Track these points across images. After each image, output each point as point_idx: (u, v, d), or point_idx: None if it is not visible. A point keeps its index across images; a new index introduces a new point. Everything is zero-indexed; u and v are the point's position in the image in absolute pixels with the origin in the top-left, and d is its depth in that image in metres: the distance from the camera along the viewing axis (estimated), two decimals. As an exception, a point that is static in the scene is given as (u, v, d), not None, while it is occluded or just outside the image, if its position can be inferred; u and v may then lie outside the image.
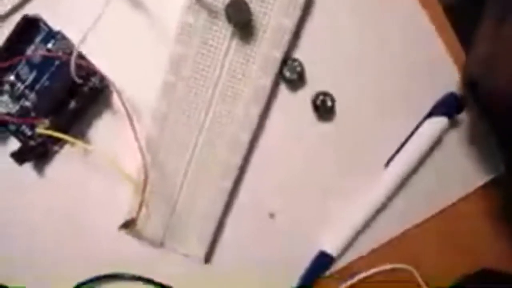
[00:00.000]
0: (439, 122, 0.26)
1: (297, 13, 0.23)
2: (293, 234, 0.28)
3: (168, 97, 0.24)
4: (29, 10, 0.24)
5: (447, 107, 0.26)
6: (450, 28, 0.26)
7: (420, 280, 0.30)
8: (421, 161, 0.27)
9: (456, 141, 0.28)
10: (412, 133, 0.27)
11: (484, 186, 0.29)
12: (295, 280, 0.29)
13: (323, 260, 0.28)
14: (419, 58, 0.26)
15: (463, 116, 0.27)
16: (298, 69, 0.25)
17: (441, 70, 0.26)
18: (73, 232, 0.27)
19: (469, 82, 0.26)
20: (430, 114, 0.26)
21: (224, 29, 0.23)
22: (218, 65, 0.24)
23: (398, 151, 0.27)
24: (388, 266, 0.29)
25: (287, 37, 0.24)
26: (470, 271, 0.30)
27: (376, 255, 0.29)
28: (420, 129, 0.26)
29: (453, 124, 0.27)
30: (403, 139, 0.27)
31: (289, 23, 0.23)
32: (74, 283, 0.27)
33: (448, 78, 0.27)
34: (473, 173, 0.29)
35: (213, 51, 0.24)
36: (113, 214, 0.26)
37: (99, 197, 0.27)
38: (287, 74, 0.25)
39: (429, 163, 0.28)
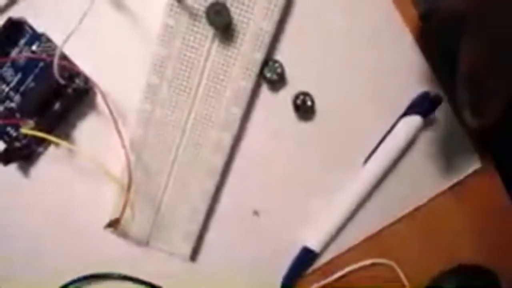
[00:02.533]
0: (414, 121, 0.27)
1: (276, 16, 0.24)
2: (277, 232, 0.29)
3: (151, 98, 0.25)
4: (13, 12, 0.24)
5: (421, 106, 0.27)
6: (425, 31, 0.27)
7: (401, 274, 0.30)
8: (398, 159, 0.28)
9: (430, 138, 0.29)
10: (388, 132, 0.27)
11: (460, 183, 0.30)
12: (280, 276, 0.29)
13: (306, 256, 0.29)
14: (395, 59, 0.27)
15: (437, 115, 0.28)
16: (279, 70, 0.26)
17: (416, 70, 0.27)
18: (58, 232, 0.28)
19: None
20: (405, 113, 0.27)
21: (205, 31, 0.24)
22: (200, 66, 0.25)
23: (375, 149, 0.28)
24: (369, 261, 0.30)
25: (267, 39, 0.24)
26: (448, 267, 0.31)
27: (357, 251, 0.30)
28: (396, 128, 0.27)
29: (428, 122, 0.28)
30: (380, 137, 0.28)
31: (269, 26, 0.24)
32: (61, 283, 0.28)
33: (422, 79, 0.27)
34: (449, 170, 0.29)
35: (194, 52, 0.24)
36: (99, 214, 0.27)
37: (84, 197, 0.27)
38: (268, 75, 0.26)
39: (407, 160, 0.29)
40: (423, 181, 0.29)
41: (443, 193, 0.30)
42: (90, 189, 0.27)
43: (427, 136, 0.28)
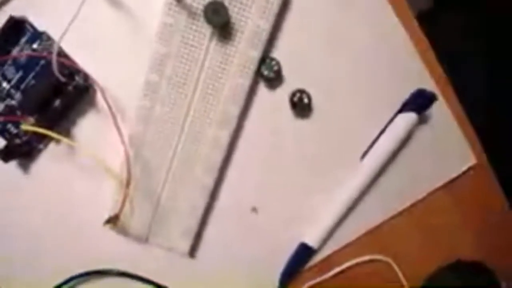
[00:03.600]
0: (409, 117, 0.27)
1: (273, 15, 0.25)
2: (275, 228, 0.29)
3: (150, 95, 0.25)
4: (15, 11, 0.24)
5: (416, 103, 0.27)
6: (419, 30, 0.28)
7: (398, 271, 0.31)
8: (394, 155, 0.28)
9: (426, 135, 0.29)
10: (384, 128, 0.28)
11: (456, 179, 0.30)
12: (278, 272, 0.30)
13: (304, 252, 0.29)
14: (391, 58, 0.27)
15: (432, 112, 0.28)
16: (276, 67, 0.26)
17: (411, 68, 0.28)
18: (58, 230, 0.28)
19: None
20: (400, 110, 0.28)
21: (203, 29, 0.24)
22: (198, 64, 0.25)
23: (372, 145, 0.28)
24: (366, 258, 0.30)
25: (264, 37, 0.25)
26: (446, 262, 0.31)
27: (354, 247, 0.30)
28: (392, 125, 0.27)
29: (423, 119, 0.28)
30: (377, 134, 0.28)
31: (266, 25, 0.25)
32: (60, 280, 0.28)
33: (418, 76, 0.28)
34: (444, 166, 0.30)
35: (193, 50, 0.25)
36: (99, 211, 0.27)
37: (84, 194, 0.27)
38: (265, 72, 0.26)
39: (403, 156, 0.29)
40: (419, 178, 0.30)
41: (439, 190, 0.30)
42: (90, 185, 0.27)
43: (422, 133, 0.29)
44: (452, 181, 0.30)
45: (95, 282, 0.29)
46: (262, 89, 0.27)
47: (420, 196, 0.30)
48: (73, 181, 0.27)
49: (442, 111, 0.29)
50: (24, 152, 0.26)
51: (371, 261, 0.30)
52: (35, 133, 0.24)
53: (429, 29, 0.29)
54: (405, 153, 0.29)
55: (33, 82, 0.25)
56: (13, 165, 0.26)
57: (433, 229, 0.31)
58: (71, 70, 0.25)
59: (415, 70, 0.28)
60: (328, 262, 0.30)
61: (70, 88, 0.25)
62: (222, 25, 0.24)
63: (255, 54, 0.25)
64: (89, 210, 0.27)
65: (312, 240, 0.29)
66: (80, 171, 0.27)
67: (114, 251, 0.28)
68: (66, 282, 0.28)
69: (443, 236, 0.31)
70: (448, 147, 0.29)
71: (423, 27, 0.28)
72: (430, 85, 0.28)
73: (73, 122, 0.26)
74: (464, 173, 0.30)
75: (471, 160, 0.30)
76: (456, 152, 0.30)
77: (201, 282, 0.30)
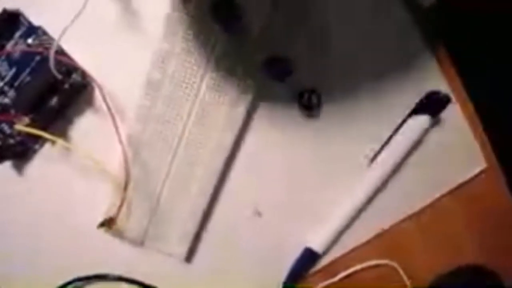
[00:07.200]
0: (422, 120, 0.26)
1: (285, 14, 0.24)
2: (279, 232, 0.28)
3: (151, 94, 0.24)
4: (7, 2, 0.23)
5: (429, 105, 0.26)
6: (432, 28, 0.27)
7: (404, 276, 0.30)
8: (404, 159, 0.28)
9: (438, 138, 0.28)
10: (395, 131, 0.27)
11: (465, 184, 0.29)
12: (282, 277, 0.29)
13: (309, 257, 0.29)
14: (403, 59, 0.27)
15: (444, 115, 0.28)
16: (286, 67, 0.25)
17: (424, 70, 0.27)
18: (54, 231, 0.27)
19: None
20: (413, 112, 0.27)
21: (210, 26, 0.23)
22: (203, 61, 0.24)
23: (381, 149, 0.27)
24: (372, 263, 0.30)
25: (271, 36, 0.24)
26: (451, 268, 0.31)
27: (360, 252, 0.29)
28: (403, 127, 0.27)
29: (435, 121, 0.27)
30: (386, 137, 0.27)
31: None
32: (57, 282, 0.27)
33: (430, 78, 0.27)
34: (455, 170, 0.29)
35: (198, 47, 0.24)
36: (96, 213, 0.26)
37: (80, 196, 0.26)
38: (275, 72, 0.25)
39: (412, 160, 0.28)
40: (428, 181, 0.29)
41: (449, 193, 0.29)
42: (87, 187, 0.26)
43: (432, 135, 0.28)
44: (462, 185, 0.29)
45: (91, 286, 0.28)
46: (270, 89, 0.26)
47: (429, 200, 0.29)
48: (70, 182, 0.26)
49: (454, 114, 0.28)
50: (18, 152, 0.25)
51: (377, 266, 0.30)
52: (29, 133, 0.23)
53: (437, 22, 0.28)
54: (417, 155, 0.28)
55: (28, 79, 0.24)
56: (7, 166, 0.25)
57: (441, 233, 0.30)
58: (68, 67, 0.24)
59: (429, 73, 0.27)
60: (334, 266, 0.29)
61: (66, 85, 0.24)
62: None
63: (263, 54, 0.24)
64: (86, 211, 0.26)
65: (317, 245, 0.28)
66: (76, 172, 0.26)
67: (111, 254, 0.27)
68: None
69: (451, 240, 0.31)
70: (459, 150, 0.29)
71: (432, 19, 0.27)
72: (443, 87, 0.27)
73: (70, 121, 0.25)
74: (475, 176, 0.29)
75: (482, 164, 0.29)
76: (467, 155, 0.29)
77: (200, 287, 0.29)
